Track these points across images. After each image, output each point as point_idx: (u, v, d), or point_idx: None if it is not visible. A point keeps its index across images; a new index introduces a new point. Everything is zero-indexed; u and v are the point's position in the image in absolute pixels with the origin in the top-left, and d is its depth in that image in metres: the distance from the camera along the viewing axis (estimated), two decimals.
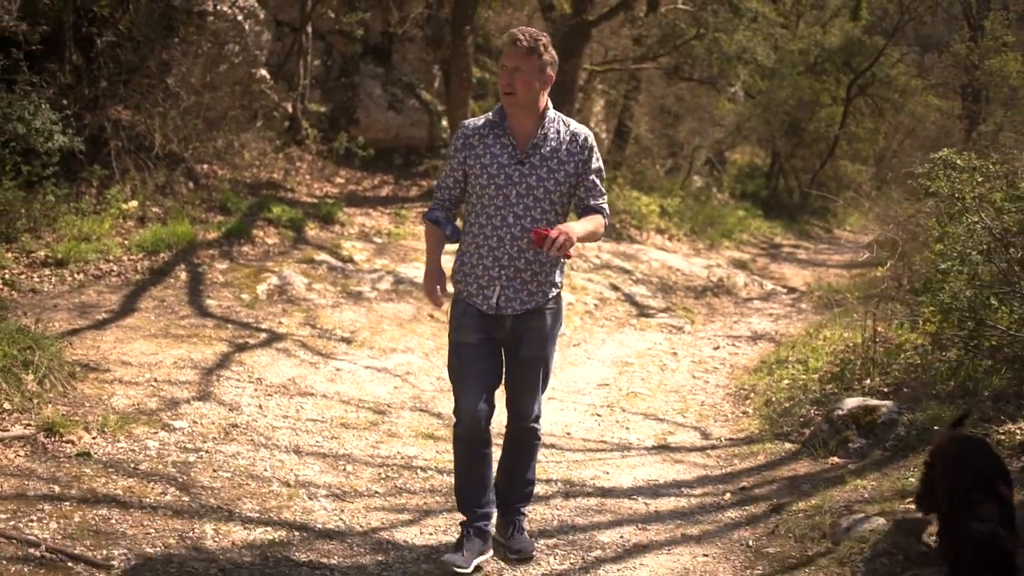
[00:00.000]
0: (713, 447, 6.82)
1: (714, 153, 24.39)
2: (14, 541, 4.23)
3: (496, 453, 4.91)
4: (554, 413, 7.35)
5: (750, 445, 6.73)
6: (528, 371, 4.73)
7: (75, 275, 8.93)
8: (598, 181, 4.66)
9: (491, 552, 4.77)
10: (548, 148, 4.56)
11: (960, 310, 6.95)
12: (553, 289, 4.69)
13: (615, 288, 12.16)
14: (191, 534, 4.66)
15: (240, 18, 12.99)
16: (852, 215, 23.29)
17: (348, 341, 8.41)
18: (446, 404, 6.71)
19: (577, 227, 4.47)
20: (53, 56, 10.81)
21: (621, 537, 5.16)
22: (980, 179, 7.31)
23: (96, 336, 7.53)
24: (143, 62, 11.50)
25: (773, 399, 7.64)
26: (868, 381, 7.49)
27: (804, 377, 8.01)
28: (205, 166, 11.94)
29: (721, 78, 18.79)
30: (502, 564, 4.79)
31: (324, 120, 14.46)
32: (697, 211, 18.50)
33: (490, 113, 4.66)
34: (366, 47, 15.40)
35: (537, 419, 4.88)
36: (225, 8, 12.73)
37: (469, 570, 4.58)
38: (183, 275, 9.35)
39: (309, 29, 13.89)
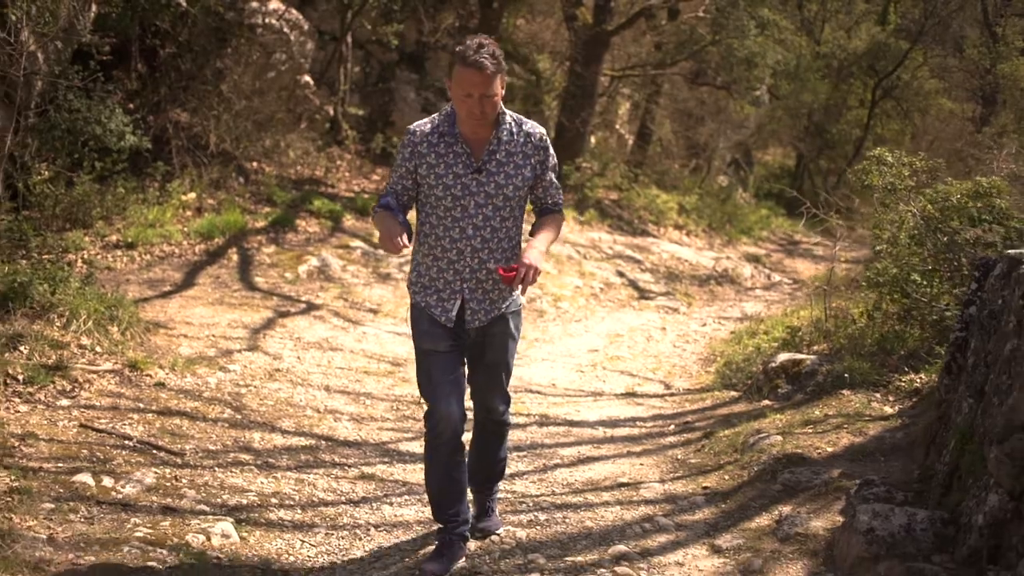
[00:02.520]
0: (672, 395, 8.20)
1: (740, 154, 25.49)
2: (113, 435, 5.70)
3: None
4: (545, 370, 8.72)
5: (702, 393, 8.10)
6: (491, 375, 4.67)
7: (143, 256, 10.39)
8: (554, 178, 4.58)
9: (465, 549, 4.77)
10: (503, 153, 4.39)
11: (887, 285, 8.24)
12: (513, 293, 4.57)
13: (621, 274, 13.47)
14: (242, 439, 6.09)
15: (286, 30, 14.33)
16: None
17: (375, 312, 9.82)
18: None
19: (541, 247, 4.40)
20: (121, 65, 12.23)
21: (578, 453, 6.53)
22: (907, 173, 8.60)
23: (163, 303, 9.01)
24: (200, 70, 12.91)
25: (733, 360, 8.95)
26: (816, 347, 8.77)
27: (765, 344, 9.30)
28: (254, 163, 13.33)
29: (735, 83, 19.78)
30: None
31: (362, 122, 15.75)
32: (716, 208, 19.50)
33: (436, 117, 4.48)
34: (401, 55, 16.66)
35: (505, 412, 4.82)
36: (273, 21, 14.08)
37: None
38: (235, 257, 10.79)
39: (349, 39, 15.08)
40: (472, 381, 4.71)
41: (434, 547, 4.70)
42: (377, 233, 4.46)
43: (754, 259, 17.07)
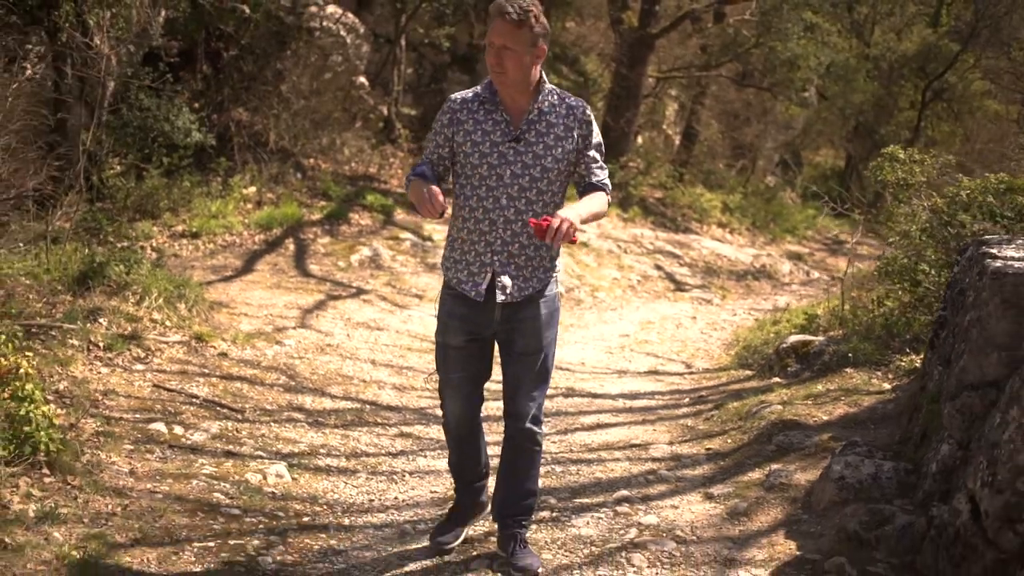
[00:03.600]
0: (691, 373, 8.82)
1: (789, 154, 25.83)
2: (182, 394, 6.48)
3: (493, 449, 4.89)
4: (576, 351, 9.38)
5: (718, 372, 8.71)
6: (524, 366, 4.41)
7: (206, 244, 11.19)
8: (598, 156, 4.39)
9: (484, 511, 4.90)
10: (544, 124, 4.26)
11: (897, 274, 8.80)
12: (548, 274, 4.40)
13: (659, 268, 14.07)
14: (295, 401, 6.84)
15: (343, 33, 15.08)
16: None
17: (420, 297, 10.54)
18: None
19: (580, 209, 4.21)
20: (187, 67, 13.07)
21: (597, 420, 7.18)
22: (918, 170, 9.15)
23: (225, 286, 9.80)
24: (261, 72, 13.71)
25: (752, 344, 9.55)
26: (831, 332, 9.34)
27: (785, 330, 9.88)
28: (311, 160, 14.09)
29: (778, 85, 20.11)
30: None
31: (415, 122, 16.40)
32: (760, 207, 19.88)
33: (479, 87, 4.36)
34: (453, 57, 17.32)
35: (536, 420, 4.50)
36: (330, 24, 14.85)
37: (455, 544, 4.72)
38: (291, 246, 11.57)
39: (403, 42, 15.74)
40: (504, 380, 4.48)
41: (447, 512, 4.87)
42: (413, 199, 4.25)
43: (796, 257, 17.50)
